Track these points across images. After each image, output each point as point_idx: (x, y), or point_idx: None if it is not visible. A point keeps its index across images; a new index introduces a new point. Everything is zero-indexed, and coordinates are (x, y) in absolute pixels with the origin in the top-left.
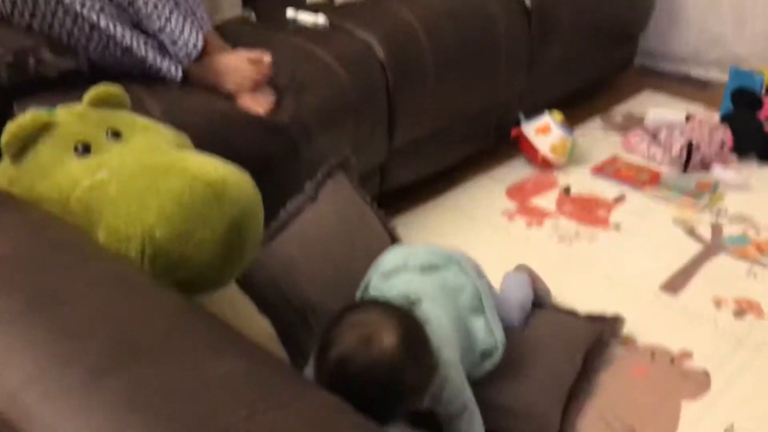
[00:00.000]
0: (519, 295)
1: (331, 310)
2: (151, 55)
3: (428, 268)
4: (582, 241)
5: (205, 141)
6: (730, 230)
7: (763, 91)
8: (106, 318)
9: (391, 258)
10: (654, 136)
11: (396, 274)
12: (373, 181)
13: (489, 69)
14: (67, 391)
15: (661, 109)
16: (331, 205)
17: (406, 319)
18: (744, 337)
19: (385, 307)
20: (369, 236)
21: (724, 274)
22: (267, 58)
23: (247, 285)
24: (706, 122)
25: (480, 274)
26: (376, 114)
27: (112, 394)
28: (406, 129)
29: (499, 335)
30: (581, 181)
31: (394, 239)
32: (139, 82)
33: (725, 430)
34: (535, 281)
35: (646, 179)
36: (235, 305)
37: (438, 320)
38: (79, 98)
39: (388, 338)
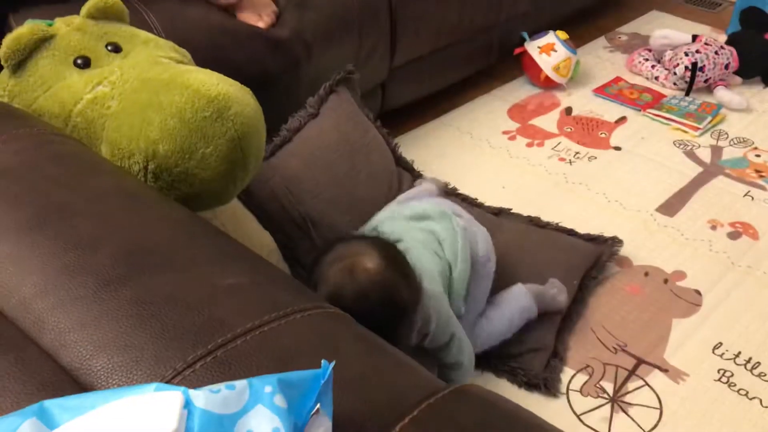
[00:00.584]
0: (513, 307)
1: (332, 224)
2: None
3: (417, 217)
4: (582, 161)
5: (206, 55)
6: (729, 152)
7: None
8: (113, 229)
9: (384, 210)
10: (658, 56)
11: (387, 221)
12: (374, 100)
13: None
14: (78, 300)
15: (666, 30)
16: (333, 120)
17: (379, 241)
18: (737, 259)
19: (357, 237)
20: (371, 152)
21: (721, 196)
22: None
23: (248, 199)
24: (713, 43)
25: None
26: (378, 31)
27: (122, 303)
28: (408, 46)
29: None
30: (583, 101)
31: (396, 158)
32: None
33: (714, 348)
34: (540, 294)
35: (648, 100)
36: (237, 219)
37: (417, 253)
38: (76, 11)
39: (370, 262)
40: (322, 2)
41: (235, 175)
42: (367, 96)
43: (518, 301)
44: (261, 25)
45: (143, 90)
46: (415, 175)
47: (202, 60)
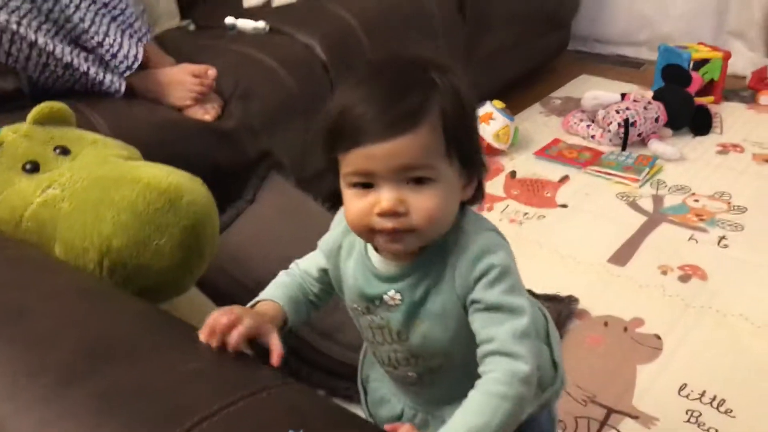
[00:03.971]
0: None
1: None
2: (93, 70)
3: None
4: (531, 221)
5: (155, 152)
6: (669, 200)
7: (691, 66)
8: (72, 325)
9: None
10: (592, 116)
11: None
12: (325, 182)
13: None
14: (40, 400)
15: (596, 91)
16: (269, 200)
17: None
18: (690, 300)
19: None
20: (314, 217)
21: (668, 242)
22: (212, 71)
23: (199, 282)
24: (641, 99)
25: None
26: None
27: (85, 398)
28: None
29: None
30: (526, 164)
31: None
32: (83, 98)
33: (679, 389)
34: None
35: (587, 158)
36: (196, 308)
37: None
38: (22, 119)
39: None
40: (265, 92)
41: (191, 263)
42: (317, 178)
43: None
44: (207, 118)
45: (94, 188)
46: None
47: (151, 157)
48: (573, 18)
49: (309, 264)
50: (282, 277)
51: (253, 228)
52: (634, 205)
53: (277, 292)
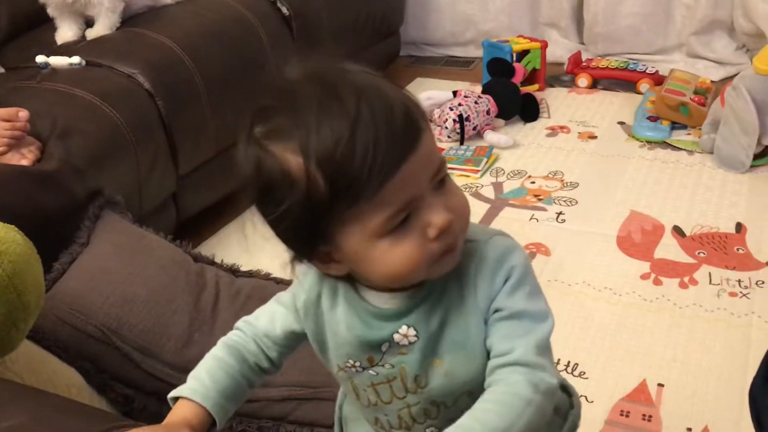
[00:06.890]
0: None
1: (133, 324)
2: None
3: None
4: None
5: None
6: (509, 185)
7: (514, 58)
8: None
9: None
10: (429, 116)
11: None
12: (168, 212)
13: (261, 80)
14: None
15: (430, 91)
16: (105, 241)
17: None
18: (538, 276)
19: None
20: (154, 250)
21: (511, 224)
22: (23, 113)
23: (38, 336)
24: (471, 95)
25: None
26: (154, 144)
27: None
28: (190, 154)
29: None
30: None
31: (193, 256)
32: None
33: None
34: None
35: None
36: (34, 365)
37: None
38: None
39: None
40: (88, 128)
41: (14, 317)
42: (160, 210)
43: None
44: (25, 162)
45: None
46: (222, 266)
47: None
48: (400, 25)
49: (269, 323)
50: (221, 351)
51: (90, 272)
52: (477, 195)
53: (204, 383)
